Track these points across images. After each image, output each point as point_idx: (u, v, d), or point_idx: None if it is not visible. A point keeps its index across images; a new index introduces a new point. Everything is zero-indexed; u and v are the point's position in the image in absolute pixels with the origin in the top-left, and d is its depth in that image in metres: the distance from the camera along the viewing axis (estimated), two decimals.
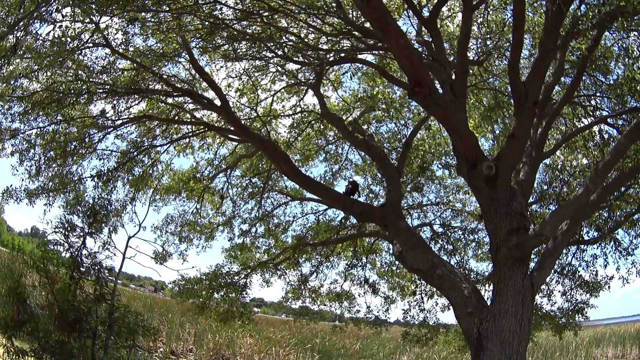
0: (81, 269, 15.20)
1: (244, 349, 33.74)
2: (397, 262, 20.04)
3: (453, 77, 10.98)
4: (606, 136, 14.99)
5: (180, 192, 20.72)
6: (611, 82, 13.83)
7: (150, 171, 19.31)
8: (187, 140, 19.63)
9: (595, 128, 15.11)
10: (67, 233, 15.22)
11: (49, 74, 15.00)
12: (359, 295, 22.11)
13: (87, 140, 16.93)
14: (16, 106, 15.60)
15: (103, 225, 15.84)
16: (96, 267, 15.26)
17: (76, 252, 15.20)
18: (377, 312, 22.10)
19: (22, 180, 16.80)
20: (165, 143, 18.72)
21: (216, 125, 17.65)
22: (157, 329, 18.59)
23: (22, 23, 11.14)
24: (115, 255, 15.76)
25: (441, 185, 20.86)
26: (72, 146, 16.64)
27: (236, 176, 21.26)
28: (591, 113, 15.13)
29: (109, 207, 16.26)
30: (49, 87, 14.98)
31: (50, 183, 17.31)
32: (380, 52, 15.67)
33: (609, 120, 14.03)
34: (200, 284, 20.42)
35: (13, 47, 11.19)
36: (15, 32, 11.41)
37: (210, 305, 21.19)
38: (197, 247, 21.86)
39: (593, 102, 15.11)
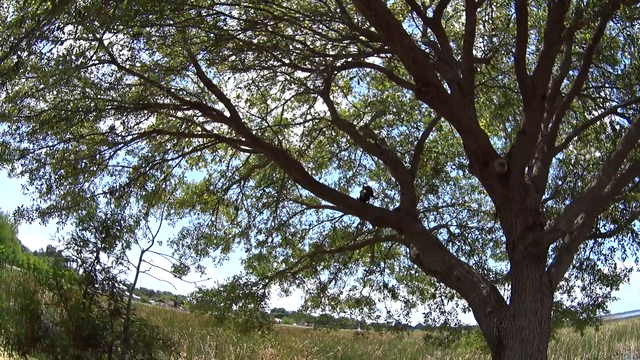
0: (95, 284, 15.26)
1: None
2: (415, 266, 19.97)
3: (460, 76, 10.91)
4: (617, 127, 14.87)
5: (194, 205, 20.72)
6: (619, 72, 13.76)
7: (163, 185, 19.36)
8: (199, 153, 19.64)
9: (607, 120, 15.00)
10: (79, 249, 15.29)
11: (55, 92, 15.02)
12: (378, 301, 22.03)
13: (97, 157, 16.96)
14: (24, 126, 15.66)
15: (116, 240, 15.89)
16: (110, 282, 15.31)
17: (89, 268, 15.25)
18: (398, 316, 22.03)
19: (34, 199, 16.85)
20: (177, 157, 18.76)
21: (227, 136, 17.69)
22: (174, 342, 18.56)
23: (24, 42, 11.08)
24: (129, 269, 15.82)
25: (456, 186, 20.77)
26: (83, 164, 16.65)
27: (250, 187, 21.30)
28: (601, 105, 15.03)
29: (122, 222, 16.33)
30: (57, 106, 15.03)
31: (63, 201, 17.32)
32: (387, 55, 15.64)
33: (619, 110, 13.94)
34: (219, 295, 20.40)
35: (15, 65, 11.09)
36: (17, 51, 11.29)
37: (229, 316, 21.20)
38: (214, 259, 21.84)
39: (602, 94, 15.03)
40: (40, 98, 15.18)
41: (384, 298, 21.67)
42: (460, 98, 10.29)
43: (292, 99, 18.70)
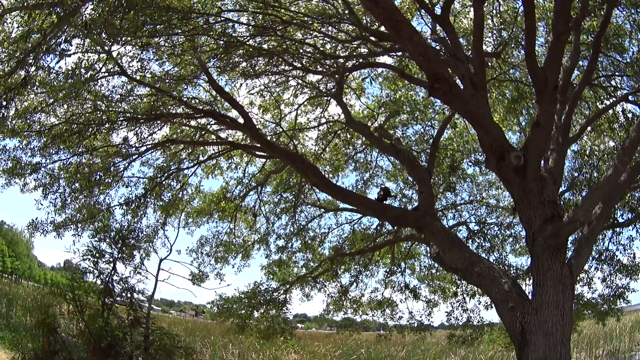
0: (113, 294, 15.33)
1: None
2: (436, 265, 19.95)
3: (472, 70, 10.89)
4: (629, 115, 14.85)
5: (212, 213, 20.83)
6: (627, 60, 13.72)
7: (180, 195, 19.46)
8: (214, 161, 19.75)
9: (619, 108, 14.98)
10: (96, 260, 15.37)
11: (65, 106, 15.14)
12: (400, 302, 22.03)
13: (112, 169, 17.06)
14: (35, 141, 15.75)
15: (133, 250, 15.97)
16: (129, 292, 15.37)
17: (107, 278, 15.32)
18: (420, 316, 22.00)
19: (48, 213, 16.97)
20: (192, 165, 18.83)
21: (242, 143, 17.71)
22: (195, 349, 18.60)
23: (31, 57, 11.20)
24: (147, 278, 15.88)
25: (473, 183, 20.70)
26: (98, 176, 16.75)
27: (267, 193, 21.38)
28: (612, 93, 15.03)
29: (138, 232, 16.41)
30: (68, 120, 15.16)
31: (78, 214, 17.44)
32: (398, 54, 15.67)
33: (630, 98, 13.89)
34: (240, 302, 20.41)
35: (24, 80, 11.14)
36: (25, 66, 11.48)
37: (251, 323, 21.23)
38: (233, 266, 21.99)
39: (613, 83, 15.05)
40: (50, 112, 15.28)
41: (405, 299, 21.69)
42: (473, 93, 10.26)
43: (305, 103, 18.74)
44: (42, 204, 16.82)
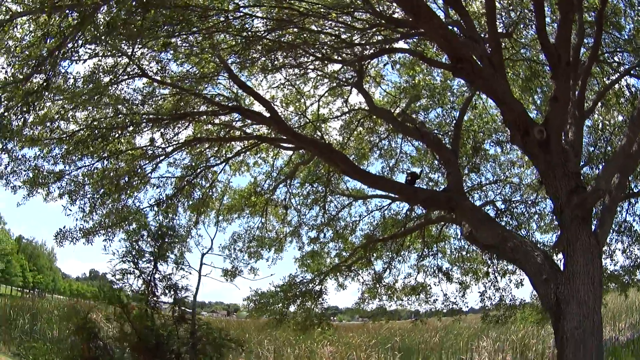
0: (156, 293, 15.56)
1: (325, 358, 33.92)
2: (467, 246, 20.24)
3: (488, 51, 11.14)
4: (633, 89, 15.16)
5: (243, 209, 21.12)
6: (625, 37, 14.05)
7: (210, 193, 19.75)
8: (241, 157, 20.04)
9: (624, 83, 15.45)
10: (136, 260, 15.62)
11: (86, 112, 15.42)
12: (434, 284, 22.24)
13: (139, 171, 17.29)
14: (57, 148, 15.90)
15: (172, 247, 16.20)
16: (172, 289, 15.60)
17: (149, 277, 15.57)
18: (454, 298, 22.19)
19: (77, 220, 17.26)
20: (220, 163, 19.12)
21: (268, 136, 17.90)
22: (242, 341, 18.60)
23: (48, 62, 11.30)
24: (190, 274, 16.08)
25: (496, 163, 20.82)
26: (125, 180, 17.02)
27: (296, 185, 21.56)
28: (616, 69, 15.38)
29: (176, 229, 16.63)
30: (90, 125, 15.33)
31: (107, 219, 17.71)
32: (416, 39, 15.87)
33: (632, 72, 14.20)
34: (276, 296, 20.66)
35: (43, 85, 11.35)
36: (41, 72, 11.59)
37: (288, 316, 21.49)
38: (267, 260, 22.23)
39: (616, 58, 15.43)
40: (70, 119, 15.42)
41: (439, 282, 21.92)
42: (492, 72, 10.55)
43: (326, 94, 18.95)
44: (70, 210, 17.07)
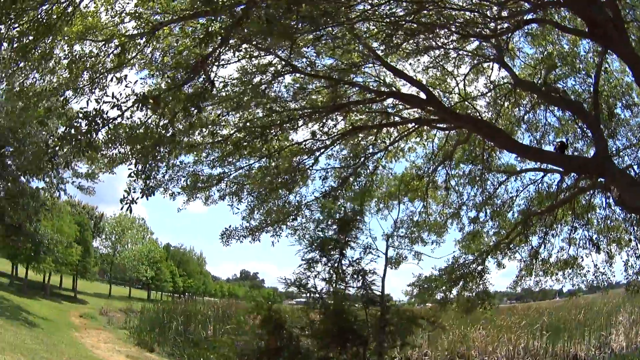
0: (345, 279, 16.37)
1: (478, 342, 34.25)
2: (611, 215, 20.16)
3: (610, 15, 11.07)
4: None
5: (403, 194, 21.46)
6: None
7: (372, 181, 20.15)
8: (397, 144, 20.30)
9: None
10: (322, 248, 16.51)
11: (239, 114, 16.00)
12: (585, 256, 21.72)
13: (299, 167, 17.79)
14: (214, 152, 16.64)
15: (359, 231, 16.96)
16: (360, 274, 16.33)
17: (336, 264, 16.42)
18: (603, 269, 21.63)
19: (243, 218, 18.08)
20: (379, 151, 19.49)
21: (426, 118, 17.86)
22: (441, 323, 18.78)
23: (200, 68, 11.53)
24: (378, 257, 16.80)
25: (627, 127, 20.56)
26: (286, 177, 17.60)
27: (453, 166, 21.62)
28: None
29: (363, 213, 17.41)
30: (245, 127, 15.97)
31: (270, 216, 18.42)
32: (547, 8, 15.80)
33: None
34: (439, 279, 20.75)
35: (208, 86, 11.35)
36: (194, 79, 11.95)
37: (450, 299, 21.50)
38: (433, 242, 22.56)
39: None
40: (223, 122, 16.03)
41: (589, 253, 21.45)
42: (621, 35, 10.75)
43: (470, 72, 18.95)
44: (238, 208, 17.90)
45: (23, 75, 13.68)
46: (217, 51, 11.14)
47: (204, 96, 11.27)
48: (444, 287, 21.09)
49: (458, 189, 21.85)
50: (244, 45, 12.91)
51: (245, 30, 11.33)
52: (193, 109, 11.22)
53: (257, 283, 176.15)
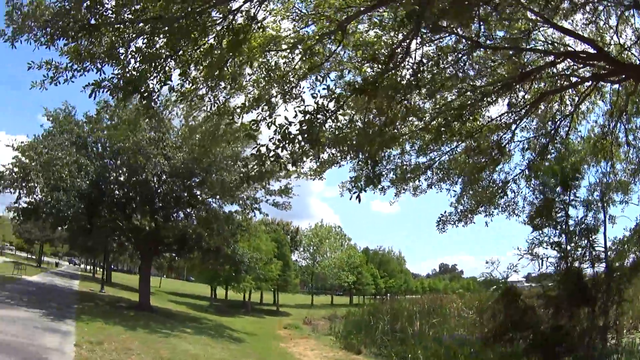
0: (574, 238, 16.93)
1: None
2: None
3: None
4: None
5: (593, 155, 20.31)
6: None
7: (567, 146, 19.80)
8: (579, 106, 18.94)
9: None
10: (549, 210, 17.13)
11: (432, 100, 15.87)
12: None
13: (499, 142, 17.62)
14: (418, 141, 17.01)
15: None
16: (585, 233, 16.76)
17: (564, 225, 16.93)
18: None
19: (454, 206, 18.61)
20: (565, 117, 18.66)
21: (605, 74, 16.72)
22: None
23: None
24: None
25: None
26: (491, 154, 17.44)
27: (628, 120, 19.87)
28: None
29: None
30: (441, 111, 15.94)
31: (477, 198, 18.84)
32: None
33: None
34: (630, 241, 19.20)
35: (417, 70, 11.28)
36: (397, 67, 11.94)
37: None
38: (619, 203, 20.80)
39: None
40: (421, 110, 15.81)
41: None
42: None
43: (618, 24, 17.16)
44: (455, 191, 18.33)
45: (213, 96, 13.65)
46: (412, 34, 11.25)
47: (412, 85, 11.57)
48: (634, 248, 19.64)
49: (636, 144, 20.24)
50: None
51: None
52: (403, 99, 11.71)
53: (456, 275, 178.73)
